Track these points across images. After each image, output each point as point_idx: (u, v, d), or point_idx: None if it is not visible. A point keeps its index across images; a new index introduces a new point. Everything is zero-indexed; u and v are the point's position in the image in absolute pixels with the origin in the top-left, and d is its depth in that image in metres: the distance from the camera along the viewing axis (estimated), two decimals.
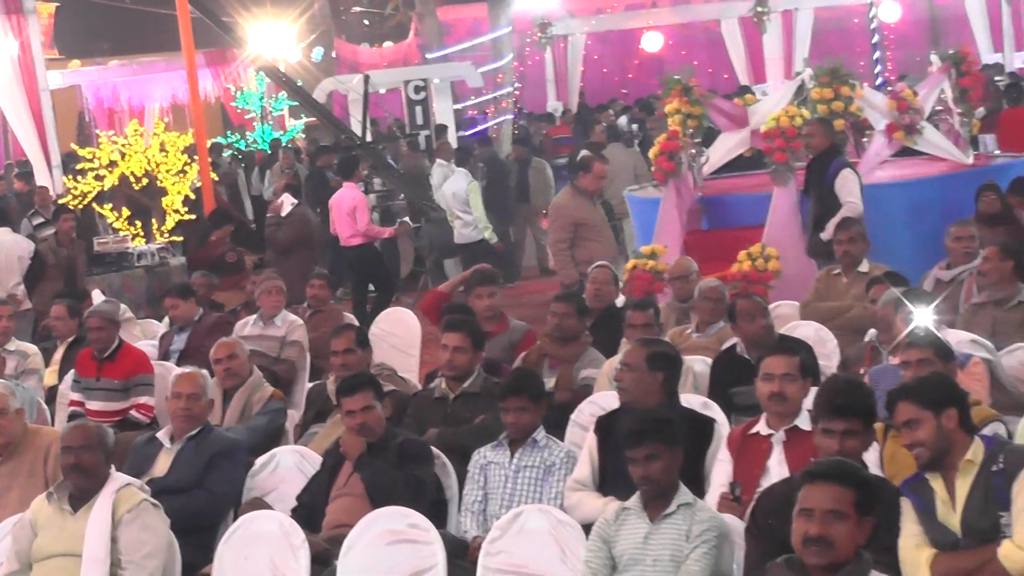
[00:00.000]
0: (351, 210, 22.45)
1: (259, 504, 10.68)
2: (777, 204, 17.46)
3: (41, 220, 23.25)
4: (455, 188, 24.32)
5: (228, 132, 37.20)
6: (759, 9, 38.83)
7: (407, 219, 24.89)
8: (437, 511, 10.25)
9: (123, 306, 17.00)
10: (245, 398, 12.66)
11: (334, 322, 15.16)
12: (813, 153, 16.54)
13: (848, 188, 16.21)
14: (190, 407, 11.15)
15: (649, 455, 8.55)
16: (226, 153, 33.32)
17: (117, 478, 9.79)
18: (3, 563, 9.78)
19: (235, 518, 10.23)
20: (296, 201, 22.45)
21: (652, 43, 42.04)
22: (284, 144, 34.33)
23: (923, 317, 10.85)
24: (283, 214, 22.26)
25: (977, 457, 7.90)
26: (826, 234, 15.63)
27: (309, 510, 10.45)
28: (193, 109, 24.22)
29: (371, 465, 10.28)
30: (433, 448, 10.71)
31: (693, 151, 18.37)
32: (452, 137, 32.10)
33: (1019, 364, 11.68)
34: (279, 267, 19.41)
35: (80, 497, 9.67)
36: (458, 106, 36.89)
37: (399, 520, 9.44)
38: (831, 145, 16.92)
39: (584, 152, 19.53)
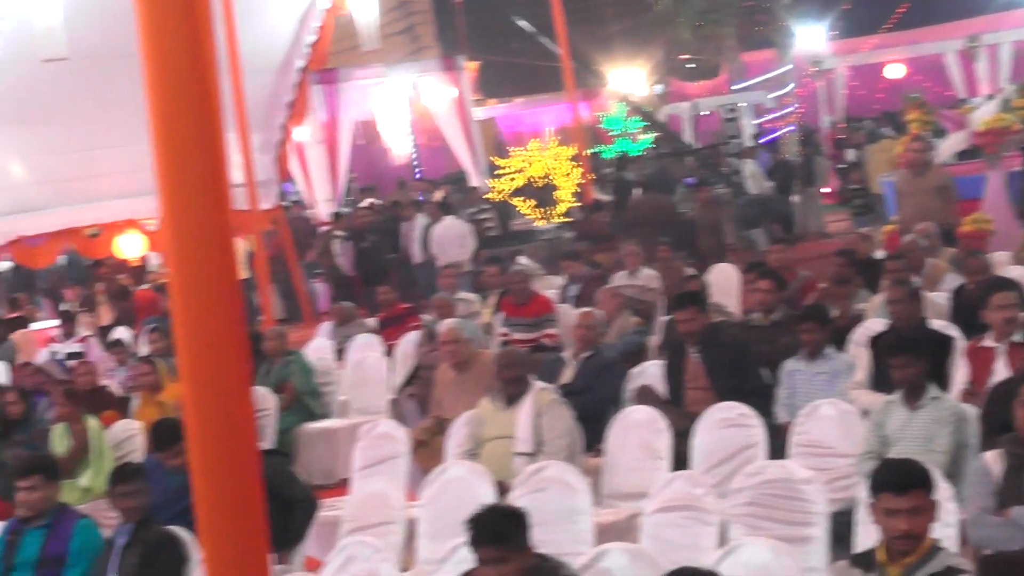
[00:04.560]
0: None
1: (647, 393, 10.62)
2: (991, 183, 17.11)
3: (474, 210, 23.55)
4: None
5: (597, 146, 37.33)
6: (972, 44, 37.85)
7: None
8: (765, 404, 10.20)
9: (534, 266, 17.22)
10: (619, 324, 12.75)
11: (677, 274, 15.14)
12: None
13: None
14: (588, 335, 11.29)
15: (905, 363, 8.39)
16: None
17: (536, 384, 9.92)
18: (463, 443, 9.98)
19: (617, 412, 10.26)
20: (638, 191, 22.63)
21: (893, 72, 41.08)
22: (639, 152, 34.30)
23: None
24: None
25: None
26: None
27: (673, 394, 10.48)
28: (574, 129, 24.33)
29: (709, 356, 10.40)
30: None
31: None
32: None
33: None
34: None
35: (511, 397, 9.80)
36: (756, 121, 36.59)
37: (732, 411, 9.40)
38: None
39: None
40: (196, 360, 3.91)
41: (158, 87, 3.83)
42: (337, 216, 24.33)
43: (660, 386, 10.65)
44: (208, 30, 3.80)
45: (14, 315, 20.57)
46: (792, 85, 41.01)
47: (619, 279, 15.39)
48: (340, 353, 14.89)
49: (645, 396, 10.42)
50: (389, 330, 15.34)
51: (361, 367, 13.95)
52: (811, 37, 40.94)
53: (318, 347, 15.08)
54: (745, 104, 33.89)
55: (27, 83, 17.54)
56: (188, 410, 4.07)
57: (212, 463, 3.92)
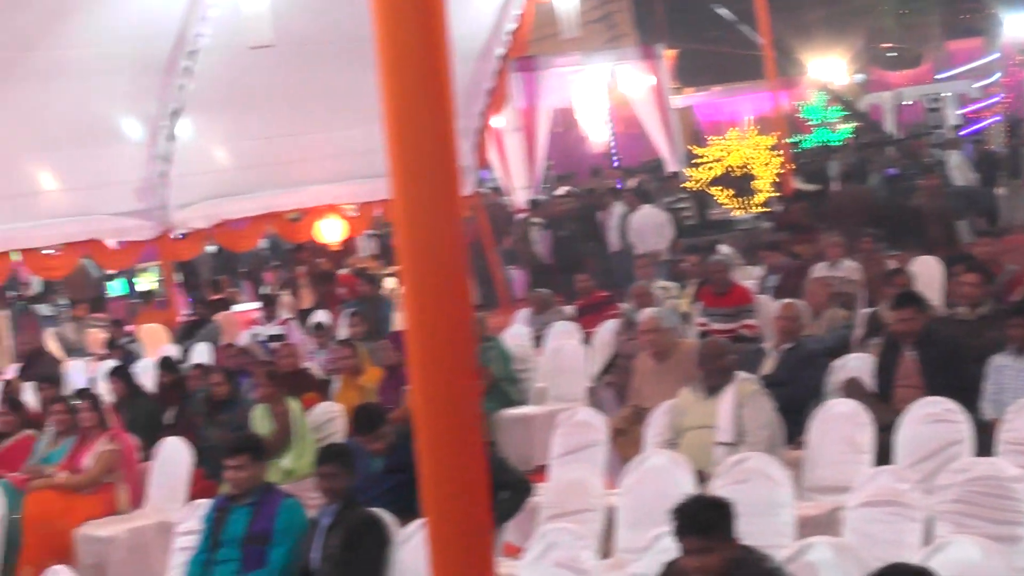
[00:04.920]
0: None
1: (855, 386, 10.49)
2: None
3: (672, 199, 23.50)
4: None
5: (795, 135, 36.97)
6: None
7: None
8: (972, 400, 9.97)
9: (734, 255, 17.12)
10: (828, 316, 12.74)
11: (878, 267, 14.94)
12: None
13: None
14: (790, 326, 11.21)
15: None
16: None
17: (737, 375, 9.85)
18: (663, 432, 9.96)
19: (819, 404, 10.15)
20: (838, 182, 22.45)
21: None
22: (840, 142, 33.88)
23: None
24: None
25: None
26: None
27: (883, 391, 10.29)
28: (773, 118, 24.16)
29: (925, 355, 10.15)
30: None
31: None
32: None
33: None
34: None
35: (712, 388, 9.75)
36: (961, 111, 35.92)
37: (938, 406, 9.24)
38: None
39: None
40: (426, 343, 3.95)
41: (392, 73, 3.87)
42: (534, 203, 24.49)
43: (866, 379, 10.50)
44: (441, 14, 3.82)
45: (217, 297, 21.05)
46: (999, 74, 40.19)
47: (819, 270, 15.23)
48: (538, 340, 14.97)
49: (852, 389, 10.28)
50: (587, 318, 15.39)
51: (559, 354, 13.99)
52: (1020, 25, 40.04)
53: (516, 334, 15.17)
54: (949, 94, 33.29)
55: (233, 69, 17.95)
56: (416, 392, 4.10)
57: (440, 446, 3.96)
